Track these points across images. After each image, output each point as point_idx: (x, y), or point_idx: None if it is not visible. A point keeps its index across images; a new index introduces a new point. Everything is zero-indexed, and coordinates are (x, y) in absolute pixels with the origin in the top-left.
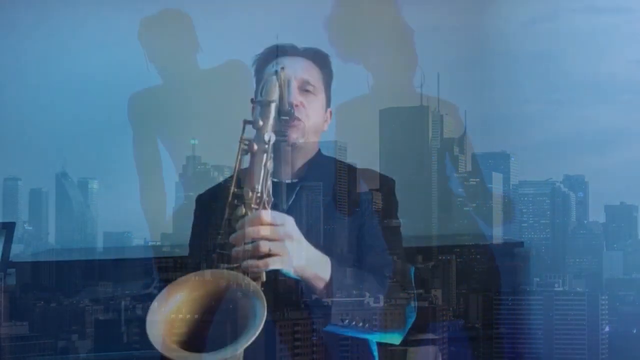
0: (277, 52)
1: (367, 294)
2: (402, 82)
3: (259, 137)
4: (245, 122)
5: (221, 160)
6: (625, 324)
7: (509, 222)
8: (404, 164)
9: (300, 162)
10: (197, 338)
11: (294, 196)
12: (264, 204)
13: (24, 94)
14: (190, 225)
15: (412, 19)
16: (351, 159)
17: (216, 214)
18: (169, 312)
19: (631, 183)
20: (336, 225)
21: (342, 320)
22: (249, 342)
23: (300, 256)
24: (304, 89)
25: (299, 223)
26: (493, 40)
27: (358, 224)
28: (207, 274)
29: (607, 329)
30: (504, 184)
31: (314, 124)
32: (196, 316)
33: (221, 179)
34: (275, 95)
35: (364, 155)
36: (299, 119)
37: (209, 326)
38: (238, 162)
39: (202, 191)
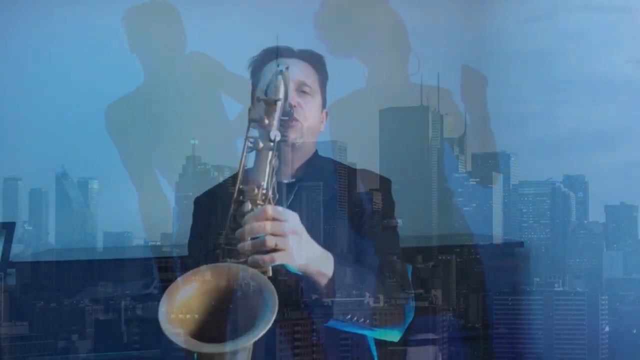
0: (277, 53)
1: (367, 294)
2: (398, 74)
3: (265, 135)
4: (251, 120)
5: (221, 160)
6: (625, 324)
7: (509, 222)
8: (404, 164)
9: (298, 162)
10: (210, 330)
11: (292, 196)
12: (269, 200)
13: (24, 94)
14: (190, 225)
15: (410, 19)
16: (351, 159)
17: (215, 214)
18: (183, 305)
19: (631, 183)
20: (334, 225)
21: (344, 315)
22: (262, 334)
23: (304, 252)
24: (301, 90)
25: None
26: (491, 39)
27: (355, 224)
28: (218, 267)
29: (607, 329)
30: (504, 184)
31: (311, 124)
32: (208, 309)
33: (221, 178)
34: (281, 94)
35: (364, 155)
36: (296, 120)
37: (222, 318)
38: (243, 160)
39: (201, 192)
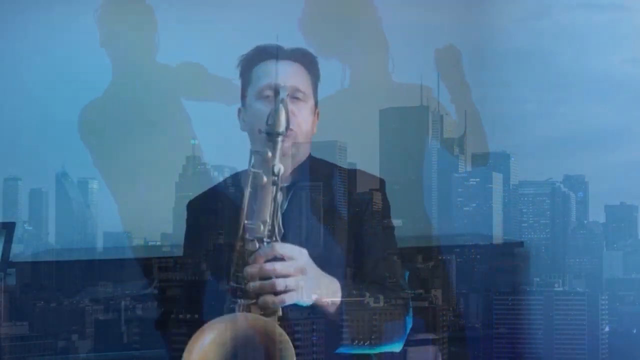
0: (276, 56)
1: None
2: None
3: (269, 169)
4: (253, 152)
5: (221, 161)
6: (625, 324)
7: (509, 222)
8: (404, 164)
9: (292, 167)
10: None
11: (287, 202)
12: (275, 236)
13: (24, 94)
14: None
15: (408, 18)
16: (351, 159)
17: (209, 217)
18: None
19: (631, 183)
20: (329, 227)
21: (352, 341)
22: None
23: (314, 288)
24: (294, 96)
25: (294, 226)
26: (490, 39)
27: (350, 225)
28: (239, 318)
29: (607, 329)
30: (504, 184)
31: (305, 130)
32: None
33: (221, 179)
34: (282, 127)
35: (364, 155)
36: (291, 130)
37: None
38: (248, 194)
39: (198, 194)
